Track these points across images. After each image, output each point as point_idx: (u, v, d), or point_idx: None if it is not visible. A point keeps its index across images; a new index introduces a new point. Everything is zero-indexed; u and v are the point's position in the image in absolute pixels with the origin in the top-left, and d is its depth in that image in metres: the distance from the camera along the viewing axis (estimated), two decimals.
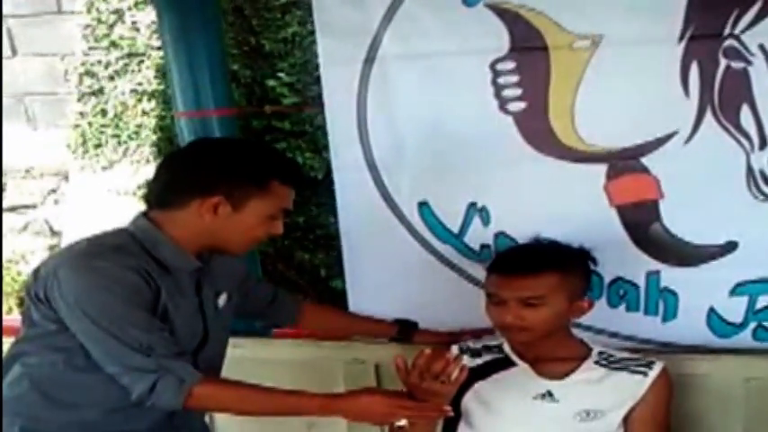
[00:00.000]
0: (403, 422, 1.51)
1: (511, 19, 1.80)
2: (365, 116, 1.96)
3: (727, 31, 1.71)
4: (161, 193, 1.56)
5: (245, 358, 1.92)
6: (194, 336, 1.59)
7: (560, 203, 1.88)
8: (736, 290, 1.86)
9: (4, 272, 4.22)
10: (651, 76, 1.76)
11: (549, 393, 1.69)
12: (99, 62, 4.12)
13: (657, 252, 1.88)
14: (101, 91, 4.14)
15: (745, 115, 1.75)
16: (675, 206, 1.84)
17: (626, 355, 1.76)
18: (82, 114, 4.20)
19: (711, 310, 1.89)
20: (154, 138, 4.06)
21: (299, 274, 3.75)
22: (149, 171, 3.74)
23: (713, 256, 1.85)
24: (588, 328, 1.89)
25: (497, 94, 1.85)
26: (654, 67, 1.76)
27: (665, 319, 1.92)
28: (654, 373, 1.71)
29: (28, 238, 4.57)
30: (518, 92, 1.84)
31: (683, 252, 1.86)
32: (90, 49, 4.13)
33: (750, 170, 1.77)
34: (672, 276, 1.89)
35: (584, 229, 1.80)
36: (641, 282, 1.91)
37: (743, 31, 1.70)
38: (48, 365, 1.52)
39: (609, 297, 1.93)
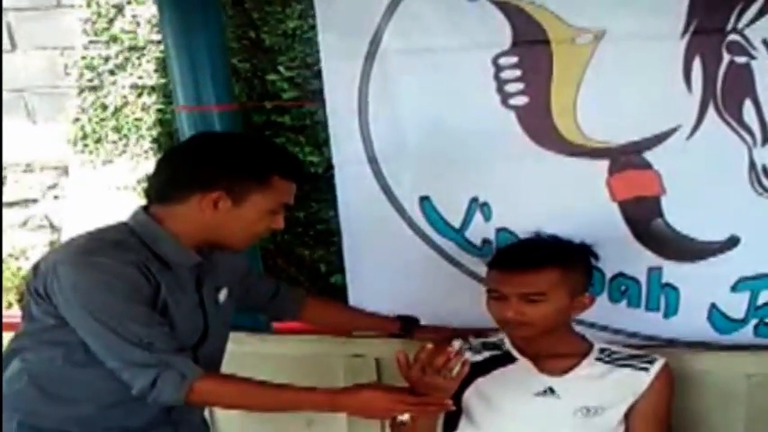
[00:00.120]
0: (405, 417, 1.52)
1: (513, 13, 1.79)
2: (366, 111, 1.95)
3: (730, 25, 1.70)
4: (161, 188, 1.55)
5: (246, 353, 1.92)
6: (194, 331, 1.58)
7: (562, 199, 1.88)
8: (737, 286, 1.86)
9: (4, 267, 4.22)
10: (654, 71, 1.76)
11: (551, 389, 1.69)
12: (99, 56, 4.11)
13: (659, 248, 1.88)
14: (101, 85, 4.13)
15: (748, 110, 1.74)
16: (677, 201, 1.84)
17: (627, 351, 1.76)
18: (82, 109, 4.19)
19: (713, 306, 1.88)
20: (154, 132, 4.05)
21: (299, 270, 3.75)
22: (149, 166, 3.73)
23: (715, 252, 1.85)
24: (592, 325, 1.89)
25: (500, 89, 1.84)
26: (656, 62, 1.75)
27: (666, 315, 1.92)
28: (655, 368, 1.71)
29: (28, 233, 4.56)
30: (520, 87, 1.83)
31: (684, 248, 1.86)
32: (90, 43, 4.12)
33: (753, 165, 1.77)
34: (673, 272, 1.89)
35: (585, 224, 1.80)
36: (643, 277, 1.91)
37: (746, 26, 1.69)
38: (47, 361, 1.52)
39: (610, 293, 1.93)
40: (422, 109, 1.92)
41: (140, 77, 4.05)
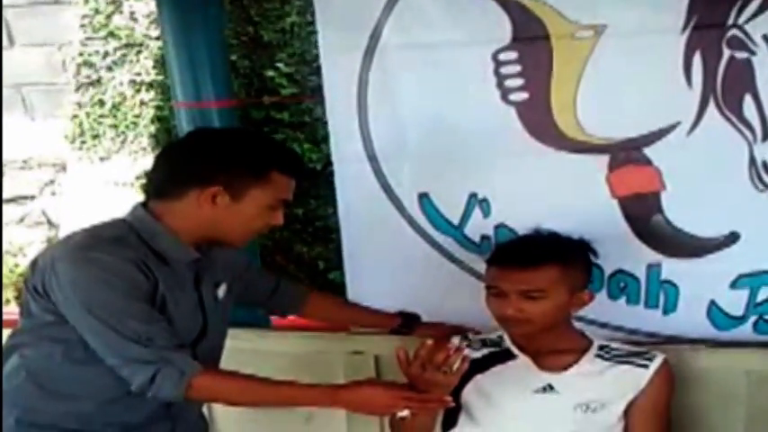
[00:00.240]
0: (404, 413, 1.51)
1: (513, 8, 1.79)
2: (365, 107, 1.95)
3: (730, 21, 1.69)
4: (159, 184, 1.55)
5: (245, 350, 1.92)
6: (193, 327, 1.58)
7: (561, 195, 1.87)
8: (737, 282, 1.85)
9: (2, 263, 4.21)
10: (654, 67, 1.75)
11: (550, 386, 1.69)
12: (97, 52, 4.11)
13: (658, 244, 1.87)
14: (99, 81, 4.13)
15: (748, 106, 1.73)
16: (677, 198, 1.83)
17: (627, 347, 1.76)
18: (80, 105, 4.19)
19: (712, 302, 1.88)
20: (152, 128, 4.05)
21: (298, 267, 3.75)
22: (147, 162, 3.73)
23: (715, 249, 1.84)
24: (591, 322, 1.88)
25: (499, 85, 1.84)
26: (656, 58, 1.74)
27: (665, 312, 1.92)
28: (655, 365, 1.70)
29: (25, 229, 4.55)
30: (520, 82, 1.83)
31: (684, 244, 1.85)
32: (88, 39, 4.12)
33: (753, 161, 1.76)
34: (673, 269, 1.88)
35: (584, 220, 1.79)
36: (642, 274, 1.90)
37: (746, 22, 1.69)
38: (45, 357, 1.52)
39: (609, 289, 1.93)
40: (421, 105, 1.91)
41: (138, 74, 4.05)
